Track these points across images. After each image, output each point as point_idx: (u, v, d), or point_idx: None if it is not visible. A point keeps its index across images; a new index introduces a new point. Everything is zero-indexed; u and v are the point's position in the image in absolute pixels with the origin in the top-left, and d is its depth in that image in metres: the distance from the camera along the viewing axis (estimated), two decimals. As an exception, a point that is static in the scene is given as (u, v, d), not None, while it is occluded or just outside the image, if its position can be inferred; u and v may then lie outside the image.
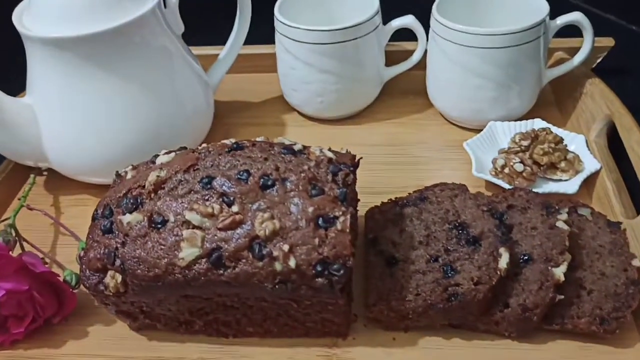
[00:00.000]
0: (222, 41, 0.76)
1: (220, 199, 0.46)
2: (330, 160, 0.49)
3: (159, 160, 0.52)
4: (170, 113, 0.65)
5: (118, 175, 0.53)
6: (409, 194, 0.59)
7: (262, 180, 0.47)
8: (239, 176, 0.47)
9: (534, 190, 0.60)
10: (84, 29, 0.58)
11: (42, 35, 0.58)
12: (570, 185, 0.61)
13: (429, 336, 0.50)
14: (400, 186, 0.63)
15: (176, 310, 0.49)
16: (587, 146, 0.65)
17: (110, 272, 0.47)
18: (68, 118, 0.62)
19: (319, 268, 0.44)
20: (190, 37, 0.72)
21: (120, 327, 0.53)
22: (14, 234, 0.56)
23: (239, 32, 0.74)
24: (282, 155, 0.49)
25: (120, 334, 0.53)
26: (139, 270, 0.46)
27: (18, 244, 0.56)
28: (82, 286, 0.53)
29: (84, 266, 0.49)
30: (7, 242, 0.53)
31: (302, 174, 0.47)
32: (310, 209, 0.45)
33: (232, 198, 0.46)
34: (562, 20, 0.68)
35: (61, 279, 0.53)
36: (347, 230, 0.45)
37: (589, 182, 0.62)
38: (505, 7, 0.71)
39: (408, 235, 0.54)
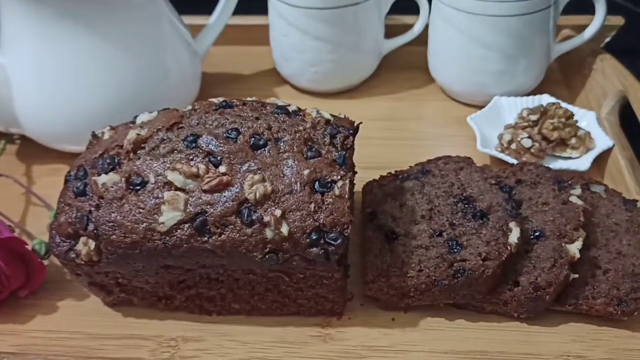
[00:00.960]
0: (208, 12, 0.72)
1: (207, 159, 0.42)
2: (327, 122, 0.45)
3: (139, 119, 0.47)
4: (152, 78, 0.61)
5: (94, 135, 0.49)
6: (410, 167, 0.55)
7: (252, 139, 0.42)
8: (227, 134, 0.43)
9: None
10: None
11: (18, -13, 0.54)
12: (581, 163, 0.57)
13: (430, 317, 0.46)
14: (399, 161, 0.59)
15: (155, 283, 0.45)
16: (599, 123, 0.61)
17: (82, 239, 0.43)
18: (42, 79, 0.57)
19: (314, 236, 0.40)
20: (181, 6, 0.67)
21: (94, 302, 0.48)
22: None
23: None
24: (276, 115, 0.45)
25: (93, 310, 0.48)
26: (114, 236, 0.42)
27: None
28: (52, 257, 0.48)
29: (54, 232, 0.44)
30: (-31, 207, 0.48)
31: (297, 134, 0.43)
32: (306, 172, 0.41)
33: (219, 158, 0.42)
34: (573, -10, 0.64)
35: (29, 247, 0.48)
36: (346, 195, 0.41)
37: (601, 160, 0.59)
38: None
39: (409, 209, 0.50)
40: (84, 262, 0.43)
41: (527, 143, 0.58)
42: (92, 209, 0.42)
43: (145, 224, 0.41)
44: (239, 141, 0.42)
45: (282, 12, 0.66)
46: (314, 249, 0.40)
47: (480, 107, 0.65)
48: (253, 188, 0.41)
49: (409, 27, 0.73)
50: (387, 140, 0.65)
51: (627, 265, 0.46)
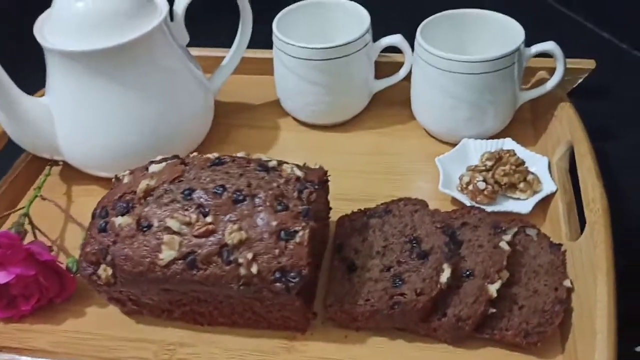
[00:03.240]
0: (223, 41, 0.82)
1: (198, 210, 0.54)
2: (298, 178, 0.56)
3: (151, 169, 0.59)
4: (169, 118, 0.72)
5: (117, 178, 0.61)
6: (377, 205, 0.66)
7: (235, 195, 0.54)
8: (215, 190, 0.54)
9: (493, 207, 0.66)
10: (95, 44, 0.65)
11: (58, 47, 0.66)
12: (525, 205, 0.66)
13: (377, 336, 0.57)
14: (375, 194, 0.70)
15: (158, 300, 0.57)
16: (549, 168, 0.70)
17: (102, 266, 0.55)
18: (79, 119, 0.69)
19: (277, 275, 0.52)
20: (192, 38, 0.78)
21: (113, 310, 0.61)
22: (26, 223, 0.64)
23: (241, 41, 0.81)
24: (257, 172, 0.56)
25: (112, 316, 0.61)
26: (125, 266, 0.54)
27: (31, 231, 0.65)
28: (82, 272, 0.61)
29: (81, 258, 0.57)
30: (19, 233, 0.61)
31: (270, 191, 0.54)
32: (274, 223, 0.53)
33: (207, 209, 0.54)
34: (536, 49, 0.72)
35: (64, 265, 0.61)
36: (305, 243, 0.52)
37: (546, 203, 0.68)
38: (486, 32, 0.76)
39: (369, 245, 0.61)
40: (104, 283, 0.56)
41: (481, 185, 0.67)
42: (110, 243, 0.55)
43: (149, 258, 0.53)
44: (223, 196, 0.54)
45: (283, 60, 0.77)
46: (278, 284, 0.52)
47: (455, 144, 0.75)
48: (232, 235, 0.52)
49: (398, 65, 0.81)
50: (367, 174, 0.75)
51: (539, 303, 0.56)
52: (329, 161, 0.75)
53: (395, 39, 0.78)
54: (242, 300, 0.55)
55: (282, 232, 0.52)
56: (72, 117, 0.70)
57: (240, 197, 0.54)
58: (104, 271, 0.55)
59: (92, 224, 0.57)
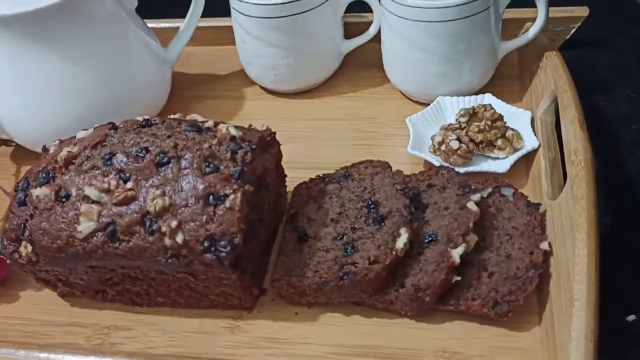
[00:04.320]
0: (182, 13, 0.77)
1: (118, 175, 0.48)
2: (233, 137, 0.50)
3: (78, 135, 0.54)
4: (119, 87, 0.67)
5: (45, 149, 0.56)
6: (337, 170, 0.59)
7: (157, 157, 0.48)
8: (137, 153, 0.49)
9: (467, 168, 0.60)
10: (27, 5, 0.60)
11: (-14, 13, 0.61)
12: (502, 164, 0.59)
13: (330, 312, 0.51)
14: (340, 161, 0.63)
15: (87, 279, 0.52)
16: (532, 124, 0.63)
17: (23, 242, 0.50)
18: (18, 94, 0.65)
19: (206, 244, 0.46)
20: (147, 9, 0.73)
21: (48, 294, 0.56)
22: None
23: (196, 6, 0.75)
24: (187, 133, 0.50)
25: (46, 300, 0.56)
26: (43, 242, 0.49)
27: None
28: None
29: (2, 236, 0.52)
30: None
31: (198, 152, 0.48)
32: (201, 187, 0.47)
33: (128, 174, 0.48)
34: (512, -10, 0.65)
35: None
36: (237, 208, 0.46)
37: (529, 161, 0.61)
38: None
39: (323, 213, 0.55)
40: (25, 262, 0.51)
41: (454, 145, 0.61)
42: (28, 217, 0.50)
43: (67, 232, 0.48)
44: (145, 159, 0.48)
45: (239, 21, 0.71)
46: (208, 255, 0.46)
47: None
48: (154, 202, 0.47)
49: (370, 25, 0.75)
50: (335, 141, 0.69)
51: (511, 269, 0.49)
52: (294, 128, 0.70)
53: (362, -7, 0.71)
54: (175, 276, 0.50)
55: (211, 197, 0.47)
56: (10, 93, 0.65)
57: (165, 160, 0.48)
58: (25, 248, 0.50)
59: (13, 198, 0.52)
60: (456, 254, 0.48)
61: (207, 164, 0.48)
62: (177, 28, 0.77)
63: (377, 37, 0.74)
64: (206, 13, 0.76)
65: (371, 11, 0.75)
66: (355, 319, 0.51)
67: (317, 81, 0.76)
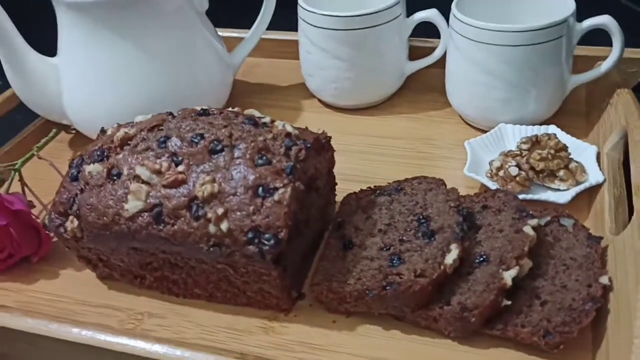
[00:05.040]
0: (249, 25, 0.78)
1: (170, 158, 0.48)
2: (288, 134, 0.49)
3: (136, 120, 0.54)
4: (181, 82, 0.68)
5: (102, 131, 0.56)
6: (389, 183, 0.58)
7: (212, 144, 0.48)
8: (192, 139, 0.48)
9: (525, 195, 0.57)
10: (102, -6, 0.62)
11: (65, -1, 0.63)
12: (562, 195, 0.57)
13: (369, 324, 0.49)
14: (392, 178, 0.62)
15: (128, 262, 0.52)
16: (598, 158, 0.60)
17: (71, 217, 0.50)
18: (86, 79, 0.66)
19: (250, 235, 0.45)
20: (217, 17, 0.74)
21: (88, 275, 0.56)
22: (13, 177, 0.60)
23: (264, 15, 0.76)
24: (243, 125, 0.50)
25: (85, 280, 0.56)
26: (90, 217, 0.49)
27: (21, 190, 0.61)
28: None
29: (51, 209, 0.52)
30: (-1, 181, 0.58)
31: (253, 144, 0.48)
32: (252, 177, 0.46)
33: (180, 158, 0.48)
34: (588, 23, 0.63)
35: (40, 221, 0.56)
36: (285, 202, 0.45)
37: (592, 196, 0.58)
38: (529, 6, 0.68)
39: (371, 223, 0.53)
40: (70, 237, 0.50)
41: (513, 171, 0.58)
42: (78, 192, 0.50)
43: (114, 209, 0.48)
44: (199, 145, 0.48)
45: (306, 31, 0.71)
46: (251, 246, 0.45)
47: (491, 132, 0.66)
48: (203, 187, 0.46)
49: (434, 49, 0.75)
50: (391, 158, 0.67)
51: (567, 299, 0.46)
52: (349, 142, 0.69)
53: (430, 14, 0.70)
54: (215, 267, 0.49)
55: (260, 188, 0.46)
56: (79, 79, 0.67)
57: (218, 147, 0.48)
58: (71, 223, 0.50)
59: (67, 174, 0.53)
60: (508, 276, 0.46)
61: (260, 155, 0.47)
62: (243, 39, 0.78)
63: (440, 64, 0.74)
64: (272, 26, 0.77)
65: (437, 37, 0.74)
66: (394, 333, 0.48)
67: (377, 99, 0.75)
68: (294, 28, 0.79)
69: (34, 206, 0.59)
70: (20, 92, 0.69)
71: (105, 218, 0.48)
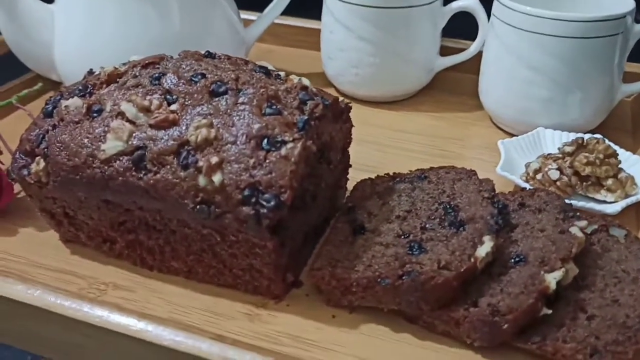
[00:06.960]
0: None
1: (163, 96, 0.40)
2: (304, 87, 0.42)
3: (131, 58, 0.47)
4: (188, 45, 0.60)
5: (90, 72, 0.49)
6: (410, 171, 0.50)
7: (214, 85, 0.40)
8: (191, 77, 0.41)
9: (571, 202, 0.49)
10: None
11: None
12: (611, 206, 0.49)
13: (375, 324, 0.41)
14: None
15: (97, 219, 0.43)
16: (649, 172, 0.53)
17: (37, 158, 0.43)
18: (82, 30, 0.60)
19: (246, 193, 0.37)
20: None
21: (50, 235, 0.48)
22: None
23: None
24: (253, 73, 0.43)
25: (47, 242, 0.47)
26: (59, 157, 0.41)
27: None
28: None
29: (17, 148, 0.44)
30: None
31: (262, 90, 0.40)
32: (256, 126, 0.38)
33: (175, 97, 0.40)
34: (647, 24, 0.57)
35: (3, 168, 0.49)
36: (293, 159, 0.37)
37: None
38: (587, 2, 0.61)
39: (389, 209, 0.45)
40: (34, 181, 0.43)
41: (554, 175, 0.51)
42: (50, 128, 0.42)
43: (88, 149, 0.40)
44: (199, 84, 0.40)
45: (331, 7, 0.65)
46: (246, 207, 0.37)
47: (527, 138, 0.59)
48: (197, 131, 0.38)
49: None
50: (413, 153, 0.60)
51: (619, 316, 0.38)
52: (367, 133, 0.62)
53: (469, 2, 0.64)
54: (200, 232, 0.40)
55: (265, 140, 0.38)
56: (74, 26, 0.60)
57: (221, 89, 0.40)
58: (36, 164, 0.42)
59: (41, 110, 0.45)
60: (551, 278, 0.38)
61: (269, 104, 0.40)
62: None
63: (471, 69, 0.67)
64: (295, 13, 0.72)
65: (471, 39, 0.68)
66: (404, 337, 0.40)
67: (401, 93, 0.68)
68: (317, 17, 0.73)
69: (0, 152, 0.51)
70: (10, 38, 0.62)
71: (76, 159, 0.40)
